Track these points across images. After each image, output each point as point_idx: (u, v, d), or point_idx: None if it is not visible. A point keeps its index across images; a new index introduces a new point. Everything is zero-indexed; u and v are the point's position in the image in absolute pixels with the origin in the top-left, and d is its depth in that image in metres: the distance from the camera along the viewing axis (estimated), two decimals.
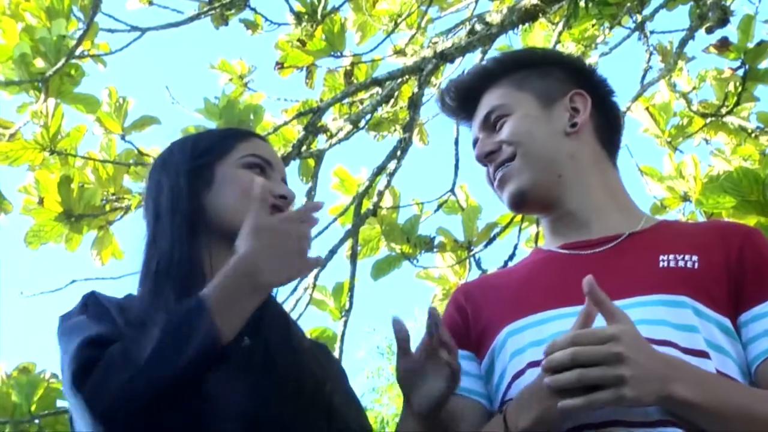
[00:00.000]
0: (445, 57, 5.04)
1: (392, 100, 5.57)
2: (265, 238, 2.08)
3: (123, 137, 5.44)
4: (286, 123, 5.25)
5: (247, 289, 2.07)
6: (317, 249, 5.07)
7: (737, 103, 5.48)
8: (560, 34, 5.28)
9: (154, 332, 2.03)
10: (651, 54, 5.42)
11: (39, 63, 5.01)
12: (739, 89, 5.38)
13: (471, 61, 5.31)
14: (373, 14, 5.79)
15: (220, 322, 2.02)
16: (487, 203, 6.07)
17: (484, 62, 2.58)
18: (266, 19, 5.80)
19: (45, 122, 4.99)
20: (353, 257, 5.05)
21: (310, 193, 5.16)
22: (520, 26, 5.17)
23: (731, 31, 5.18)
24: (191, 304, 2.06)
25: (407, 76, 5.19)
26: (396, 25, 5.78)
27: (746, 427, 2.06)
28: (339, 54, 5.64)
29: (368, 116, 5.37)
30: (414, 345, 2.26)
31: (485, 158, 2.47)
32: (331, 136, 5.10)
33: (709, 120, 5.71)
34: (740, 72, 5.32)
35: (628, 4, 5.26)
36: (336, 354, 4.89)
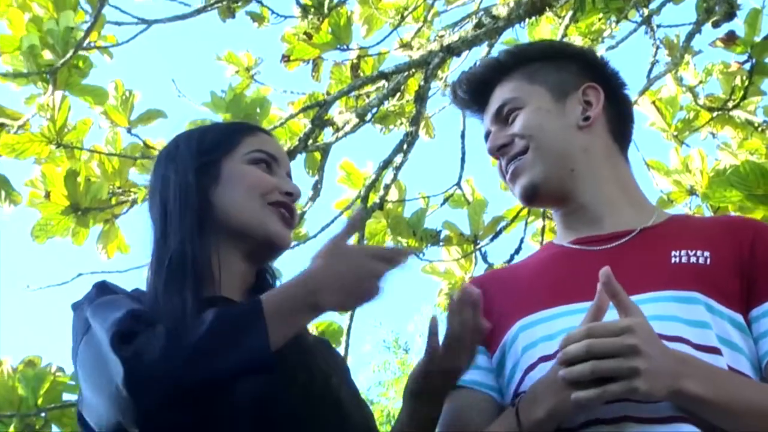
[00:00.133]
0: (451, 50, 5.04)
1: (398, 94, 5.56)
2: (342, 264, 2.07)
3: (129, 130, 5.43)
4: (292, 116, 5.25)
5: (306, 306, 2.08)
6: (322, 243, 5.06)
7: (744, 97, 5.47)
8: (567, 27, 5.27)
9: (204, 322, 2.01)
10: (658, 48, 5.40)
11: (47, 55, 5.00)
12: (746, 83, 5.37)
13: (477, 54, 5.31)
14: (379, 7, 5.78)
15: (272, 330, 2.01)
16: (493, 197, 6.07)
17: (496, 55, 2.57)
18: (273, 12, 5.79)
19: (52, 115, 4.99)
20: None
21: (316, 186, 5.17)
22: (527, 20, 5.17)
23: (738, 25, 5.17)
24: (248, 304, 2.07)
25: (414, 70, 5.19)
26: (402, 18, 5.77)
27: (757, 422, 2.06)
28: (345, 47, 5.64)
29: (374, 110, 5.37)
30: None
31: (497, 151, 2.47)
32: (338, 130, 5.10)
33: (715, 114, 5.70)
34: (747, 66, 5.31)
35: None
36: (342, 348, 4.91)
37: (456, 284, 5.75)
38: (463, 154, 5.36)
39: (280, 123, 5.15)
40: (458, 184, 5.52)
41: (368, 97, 5.55)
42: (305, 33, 5.58)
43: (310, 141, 5.01)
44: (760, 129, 5.76)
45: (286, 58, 5.67)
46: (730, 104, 5.56)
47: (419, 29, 5.81)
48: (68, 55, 4.90)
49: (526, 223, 5.37)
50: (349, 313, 4.97)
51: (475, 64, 2.65)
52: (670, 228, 2.36)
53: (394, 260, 2.10)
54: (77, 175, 5.07)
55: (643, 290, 2.18)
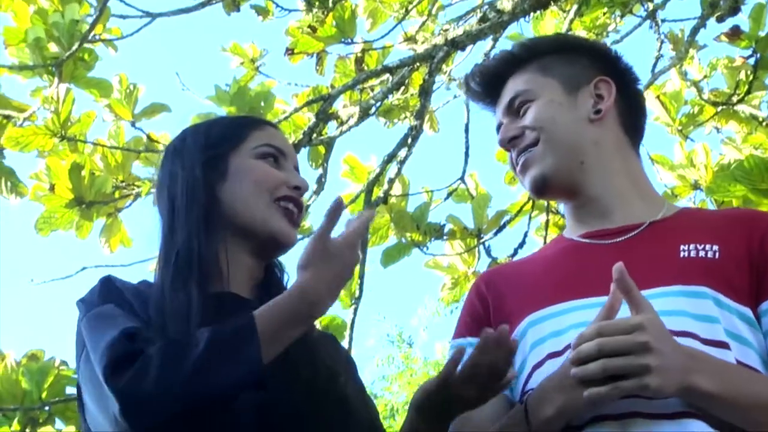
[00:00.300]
0: (456, 44, 5.03)
1: (403, 88, 5.56)
2: (331, 268, 2.07)
3: (133, 124, 5.43)
4: (296, 110, 5.24)
5: (303, 317, 2.09)
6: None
7: (748, 92, 5.46)
8: (571, 22, 5.26)
9: (199, 344, 2.02)
10: (662, 42, 5.40)
11: (52, 47, 5.00)
12: (750, 78, 5.36)
13: (482, 48, 5.31)
14: (383, 1, 5.77)
15: (266, 347, 2.02)
16: (496, 192, 6.07)
17: (510, 48, 2.57)
18: (277, 5, 5.79)
19: (56, 108, 4.99)
20: (363, 245, 5.05)
21: (320, 180, 5.17)
22: (532, 14, 5.17)
23: (742, 20, 5.17)
24: (242, 321, 2.06)
25: (418, 64, 5.19)
26: (407, 11, 5.77)
27: (766, 416, 2.06)
28: (350, 41, 5.63)
29: (378, 103, 5.37)
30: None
31: (508, 143, 2.47)
32: (342, 123, 5.10)
33: (720, 108, 5.70)
34: (751, 60, 5.30)
35: None
36: (346, 342, 4.90)
37: (459, 279, 5.76)
38: (467, 148, 5.36)
39: (285, 117, 5.14)
40: (462, 179, 5.52)
41: (372, 90, 5.54)
42: (309, 26, 5.57)
43: (314, 135, 5.01)
44: (764, 123, 5.76)
45: (290, 52, 5.67)
46: (735, 99, 5.55)
47: (423, 23, 5.81)
48: (74, 48, 4.90)
49: (530, 218, 5.37)
50: (353, 307, 4.98)
51: (489, 56, 2.65)
52: (680, 221, 2.36)
53: (364, 236, 2.13)
54: (82, 168, 5.07)
55: (651, 285, 2.17)
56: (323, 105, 4.99)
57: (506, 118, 2.48)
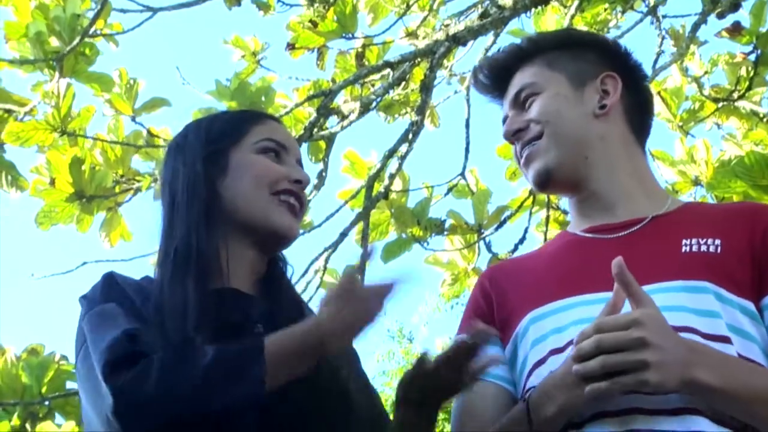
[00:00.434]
0: (457, 40, 5.03)
1: (404, 83, 5.56)
2: (350, 310, 2.08)
3: (134, 119, 5.43)
4: (297, 105, 5.24)
5: (312, 354, 2.08)
6: (328, 233, 5.08)
7: (749, 88, 5.46)
8: (572, 17, 5.26)
9: (206, 355, 2.02)
10: (663, 38, 5.40)
11: (53, 42, 5.00)
12: (751, 74, 5.37)
13: (483, 44, 5.31)
14: None
15: (271, 371, 2.02)
16: (497, 188, 6.06)
17: (519, 41, 2.57)
18: (278, 0, 5.79)
19: (56, 102, 4.99)
20: (364, 240, 5.05)
21: (321, 175, 5.17)
22: (533, 9, 5.16)
23: (743, 16, 5.17)
24: (252, 342, 2.06)
25: (419, 59, 5.18)
26: (408, 6, 5.77)
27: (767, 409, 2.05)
28: (350, 36, 5.62)
29: (379, 98, 5.36)
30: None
31: (513, 136, 2.47)
32: (343, 118, 5.09)
33: (720, 104, 5.70)
34: (752, 57, 5.31)
35: None
36: None
37: (459, 275, 5.76)
38: (468, 143, 5.35)
39: (286, 112, 5.14)
40: (462, 174, 5.51)
41: (373, 85, 5.54)
42: (310, 21, 5.57)
43: (315, 129, 5.01)
44: (765, 120, 5.75)
45: (291, 47, 5.66)
46: (735, 95, 5.56)
47: (425, 18, 5.81)
48: (75, 42, 4.90)
49: (531, 213, 5.37)
50: None
51: (490, 52, 2.65)
52: (683, 216, 2.35)
53: (390, 292, 2.11)
54: (82, 162, 5.07)
55: (652, 280, 2.17)
56: (324, 100, 4.99)
57: (512, 110, 2.49)
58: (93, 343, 2.11)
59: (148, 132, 5.39)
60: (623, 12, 5.45)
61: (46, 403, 5.04)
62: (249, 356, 2.03)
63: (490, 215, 5.53)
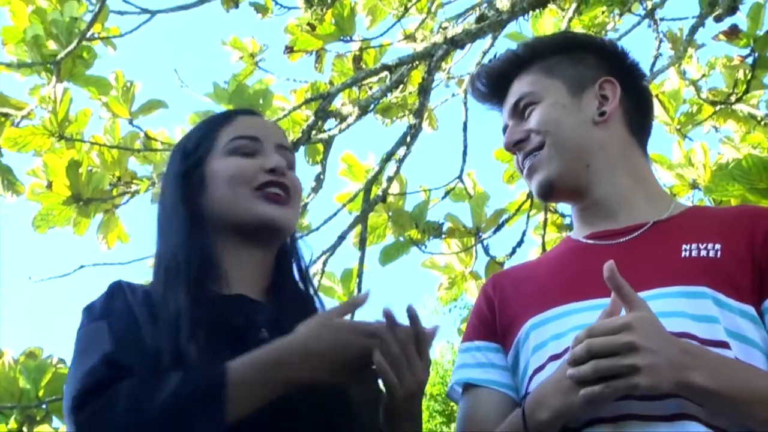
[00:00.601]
0: (455, 43, 5.03)
1: (401, 86, 5.56)
2: (324, 341, 2.04)
3: (131, 122, 5.44)
4: (295, 108, 5.24)
5: (277, 379, 2.05)
6: (326, 236, 5.09)
7: (747, 91, 5.47)
8: (570, 20, 5.26)
9: (165, 390, 2.01)
10: (661, 41, 5.41)
11: (51, 45, 5.00)
12: (749, 77, 5.37)
13: (481, 47, 5.31)
14: None
15: (232, 407, 2.01)
16: (494, 191, 6.07)
17: (515, 48, 2.56)
18: (276, 3, 5.79)
19: (53, 107, 4.99)
20: (362, 243, 5.05)
21: (319, 178, 5.17)
22: (530, 12, 5.16)
23: (741, 19, 5.17)
24: (212, 378, 2.04)
25: (417, 62, 5.18)
26: (406, 9, 5.77)
27: (763, 410, 2.04)
28: (348, 38, 5.63)
29: (377, 101, 5.36)
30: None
31: (514, 146, 2.47)
32: (341, 121, 5.09)
33: (718, 107, 5.70)
34: (749, 60, 5.31)
35: None
36: None
37: (456, 279, 5.76)
38: (465, 147, 5.35)
39: (284, 114, 5.14)
40: (460, 178, 5.51)
41: (371, 88, 5.54)
42: (308, 24, 5.57)
43: (313, 132, 5.01)
44: (762, 123, 5.76)
45: (289, 50, 5.67)
46: (733, 98, 5.56)
47: (423, 21, 5.81)
48: (72, 46, 4.90)
49: (528, 217, 5.37)
50: None
51: (488, 55, 2.65)
52: (685, 220, 2.35)
53: (384, 334, 2.06)
54: (79, 165, 5.07)
55: (651, 286, 2.17)
56: (322, 103, 4.99)
57: (512, 120, 2.49)
58: (71, 369, 2.14)
59: (145, 135, 5.39)
60: (621, 15, 5.45)
61: (44, 406, 5.03)
62: (209, 393, 2.02)
63: (488, 218, 5.53)
